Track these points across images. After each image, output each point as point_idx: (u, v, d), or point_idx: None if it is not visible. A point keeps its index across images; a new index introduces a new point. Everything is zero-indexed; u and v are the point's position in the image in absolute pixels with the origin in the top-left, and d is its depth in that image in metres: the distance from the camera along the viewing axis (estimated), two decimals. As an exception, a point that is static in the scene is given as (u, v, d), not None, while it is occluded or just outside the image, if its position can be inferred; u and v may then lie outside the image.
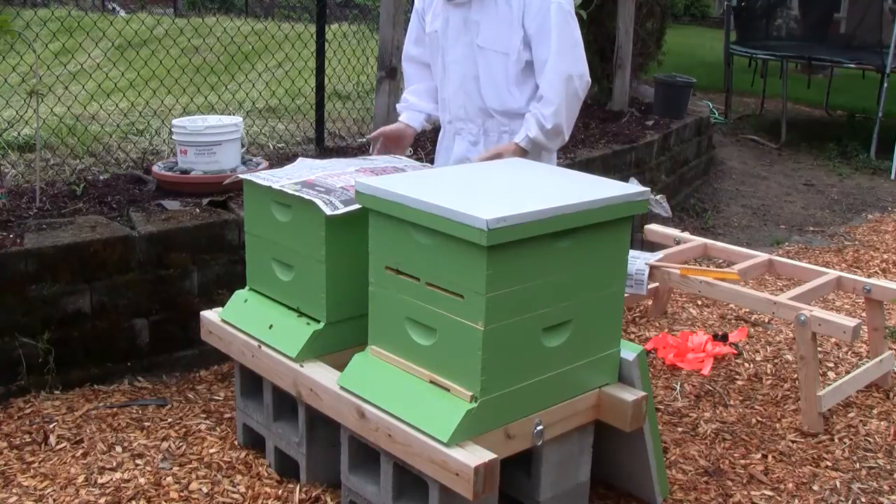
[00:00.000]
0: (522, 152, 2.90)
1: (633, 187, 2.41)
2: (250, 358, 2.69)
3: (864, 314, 3.87)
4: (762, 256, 3.83)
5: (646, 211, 2.52)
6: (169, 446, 2.87)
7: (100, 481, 2.65)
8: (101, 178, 4.11)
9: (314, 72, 4.98)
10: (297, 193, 2.51)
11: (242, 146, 4.12)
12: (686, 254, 3.94)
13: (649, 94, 7.30)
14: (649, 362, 3.66)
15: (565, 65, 2.82)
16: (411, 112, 3.20)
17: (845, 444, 3.12)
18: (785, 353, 3.85)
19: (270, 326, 2.66)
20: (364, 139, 3.02)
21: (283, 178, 2.64)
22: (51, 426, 2.95)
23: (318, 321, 2.57)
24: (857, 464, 3.00)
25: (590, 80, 2.92)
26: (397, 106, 3.32)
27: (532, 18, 2.80)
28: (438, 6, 2.98)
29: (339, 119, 5.38)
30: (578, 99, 2.91)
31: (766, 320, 4.22)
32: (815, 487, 2.84)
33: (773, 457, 3.02)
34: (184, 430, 2.99)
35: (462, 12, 2.88)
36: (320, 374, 2.48)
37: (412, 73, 3.24)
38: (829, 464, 2.99)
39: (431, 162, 4.25)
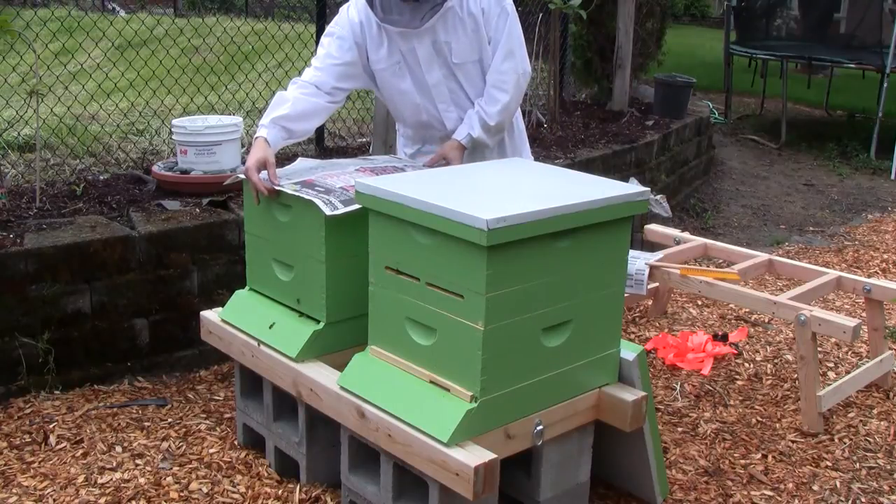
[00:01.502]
0: (463, 149, 2.93)
1: (633, 187, 2.41)
2: (250, 358, 2.69)
3: (864, 314, 3.87)
4: (762, 256, 3.83)
5: (646, 211, 2.52)
6: (169, 446, 2.87)
7: (100, 481, 2.65)
8: (101, 178, 4.11)
9: (314, 72, 4.97)
10: (296, 193, 2.52)
11: (242, 146, 4.12)
12: (686, 254, 3.94)
13: (649, 94, 7.29)
14: (649, 362, 3.66)
15: (515, 65, 2.90)
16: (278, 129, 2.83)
17: (845, 444, 3.12)
18: (785, 353, 3.85)
19: (270, 326, 2.66)
20: (241, 177, 2.78)
21: (282, 178, 2.64)
22: (51, 426, 2.95)
23: (318, 321, 2.57)
24: (857, 464, 3.00)
25: (530, 71, 3.00)
26: (263, 123, 2.82)
27: (489, 22, 2.87)
28: (394, 38, 2.86)
29: (339, 119, 5.38)
30: (521, 96, 3.00)
31: (766, 320, 4.22)
32: (815, 487, 2.84)
33: (773, 457, 3.02)
34: (184, 430, 2.99)
35: (429, 37, 2.85)
36: (320, 374, 2.47)
37: (303, 97, 2.86)
38: (829, 464, 2.99)
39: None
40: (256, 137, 2.76)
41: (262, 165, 2.67)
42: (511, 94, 2.90)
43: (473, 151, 2.96)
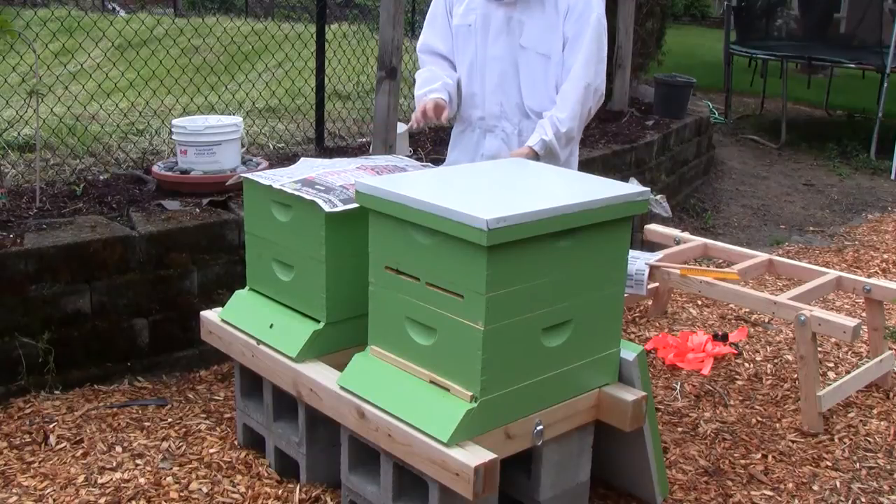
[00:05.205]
0: (535, 156, 2.90)
1: (633, 187, 2.41)
2: (250, 358, 2.70)
3: (864, 314, 3.87)
4: (762, 256, 3.83)
5: (646, 211, 2.52)
6: (169, 446, 2.87)
7: (100, 481, 2.65)
8: (101, 178, 4.11)
9: (314, 72, 4.98)
10: (296, 193, 2.51)
11: (242, 146, 4.12)
12: (686, 254, 3.94)
13: (649, 94, 7.29)
14: (649, 362, 3.66)
15: (588, 75, 2.88)
16: (444, 91, 3.03)
17: (845, 444, 3.12)
18: (785, 353, 3.85)
19: (270, 326, 2.66)
20: (413, 125, 2.99)
21: (283, 177, 2.64)
22: (51, 426, 2.95)
23: (318, 321, 2.57)
24: (857, 464, 3.00)
25: (604, 94, 2.97)
26: (422, 88, 3.06)
27: (572, 25, 2.86)
28: (476, 1, 2.96)
29: (339, 119, 5.38)
30: (590, 111, 2.96)
31: (766, 320, 4.22)
32: (815, 487, 2.84)
33: (773, 457, 3.02)
34: (184, 430, 2.99)
35: (506, 11, 2.89)
36: (320, 374, 2.48)
37: (435, 65, 3.09)
38: (829, 464, 2.99)
39: (432, 162, 4.25)
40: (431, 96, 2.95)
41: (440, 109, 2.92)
42: (578, 104, 2.86)
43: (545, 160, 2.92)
